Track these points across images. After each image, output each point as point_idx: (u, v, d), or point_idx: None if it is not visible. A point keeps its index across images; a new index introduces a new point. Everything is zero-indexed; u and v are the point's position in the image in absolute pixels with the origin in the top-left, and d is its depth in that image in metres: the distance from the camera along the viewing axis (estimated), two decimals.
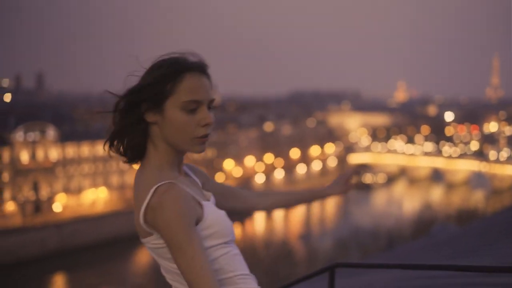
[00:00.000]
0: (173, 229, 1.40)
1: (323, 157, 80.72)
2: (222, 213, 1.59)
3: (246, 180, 64.04)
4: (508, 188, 69.58)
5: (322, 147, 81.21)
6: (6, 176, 43.59)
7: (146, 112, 1.51)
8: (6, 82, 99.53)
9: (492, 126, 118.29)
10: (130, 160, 1.59)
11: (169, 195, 1.42)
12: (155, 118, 1.51)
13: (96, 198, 49.15)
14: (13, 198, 43.69)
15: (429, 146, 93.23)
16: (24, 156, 44.93)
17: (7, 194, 43.45)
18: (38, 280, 34.74)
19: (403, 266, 3.24)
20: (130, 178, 52.70)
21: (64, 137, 47.73)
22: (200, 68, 1.52)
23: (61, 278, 36.14)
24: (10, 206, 43.38)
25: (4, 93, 78.80)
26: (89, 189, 48.99)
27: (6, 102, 69.82)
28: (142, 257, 40.39)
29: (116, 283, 34.57)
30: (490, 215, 19.35)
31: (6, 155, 43.72)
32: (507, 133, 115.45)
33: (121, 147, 1.57)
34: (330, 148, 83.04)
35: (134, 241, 42.34)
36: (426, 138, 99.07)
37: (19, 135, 44.88)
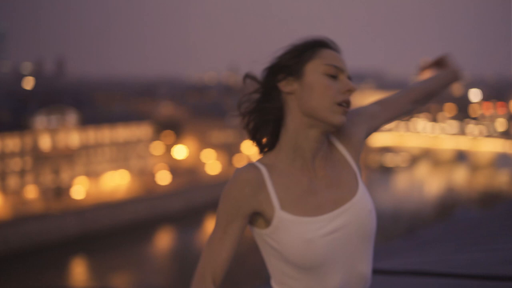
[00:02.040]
0: (218, 207, 1.43)
1: None
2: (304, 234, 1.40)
3: None
4: (487, 164, 68.41)
5: None
6: (27, 162, 43.92)
7: (283, 82, 1.45)
8: (28, 67, 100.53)
9: None
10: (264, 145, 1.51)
11: (232, 177, 1.42)
12: (293, 87, 1.45)
13: (117, 183, 49.26)
14: (34, 184, 44.03)
15: (454, 126, 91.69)
16: (45, 142, 45.18)
17: (28, 179, 43.81)
18: (59, 263, 35.03)
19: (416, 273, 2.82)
20: (150, 163, 52.75)
21: (85, 121, 47.87)
22: (336, 47, 1.50)
23: (81, 261, 36.38)
24: (31, 192, 43.73)
25: (25, 78, 79.54)
26: (110, 173, 49.09)
27: (26, 89, 70.47)
28: (162, 241, 40.51)
29: (136, 266, 34.71)
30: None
31: (28, 140, 44.00)
32: None
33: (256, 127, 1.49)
34: None
35: (154, 226, 42.57)
36: (451, 118, 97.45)
37: (40, 120, 45.10)
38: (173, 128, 63.15)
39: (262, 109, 1.46)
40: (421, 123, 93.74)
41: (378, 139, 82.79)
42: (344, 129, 1.54)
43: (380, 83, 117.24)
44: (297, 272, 1.40)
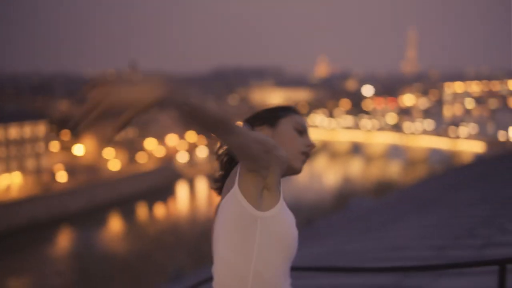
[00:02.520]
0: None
1: None
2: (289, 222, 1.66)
3: (169, 159, 63.46)
4: (422, 160, 72.92)
5: None
6: None
7: (258, 128, 1.79)
8: None
9: (408, 99, 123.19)
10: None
11: None
12: (268, 132, 1.77)
13: (11, 182, 47.03)
14: None
15: (349, 120, 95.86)
16: None
17: None
18: None
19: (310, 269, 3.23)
20: (47, 162, 50.87)
21: None
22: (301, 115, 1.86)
23: None
24: None
25: None
26: (2, 174, 46.77)
27: None
28: (62, 242, 39.27)
29: (36, 269, 33.43)
30: (403, 188, 20.20)
31: None
32: (422, 106, 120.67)
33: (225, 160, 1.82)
34: None
35: (53, 225, 41.11)
36: (346, 112, 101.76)
37: None
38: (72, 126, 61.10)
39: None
40: (318, 117, 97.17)
41: None
42: None
43: (279, 80, 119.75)
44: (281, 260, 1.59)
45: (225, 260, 1.56)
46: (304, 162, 1.75)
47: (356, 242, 7.36)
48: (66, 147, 59.01)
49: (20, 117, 49.56)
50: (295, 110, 1.83)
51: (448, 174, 20.17)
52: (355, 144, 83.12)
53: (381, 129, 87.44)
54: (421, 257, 5.03)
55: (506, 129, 74.51)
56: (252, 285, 1.54)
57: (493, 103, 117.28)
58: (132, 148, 58.45)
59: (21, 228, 40.55)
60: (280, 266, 1.57)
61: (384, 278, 4.46)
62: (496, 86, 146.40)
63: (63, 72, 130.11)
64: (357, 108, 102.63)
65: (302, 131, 1.77)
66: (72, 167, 52.87)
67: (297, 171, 1.74)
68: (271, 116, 1.79)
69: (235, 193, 1.54)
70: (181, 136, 68.21)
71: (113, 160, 56.90)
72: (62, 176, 50.01)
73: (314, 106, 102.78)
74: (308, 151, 1.76)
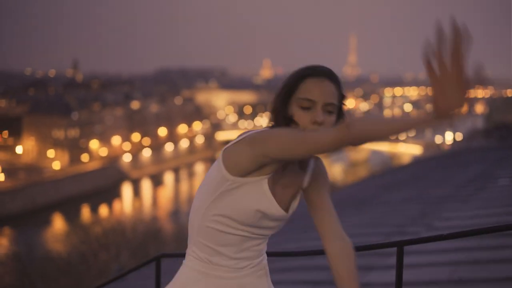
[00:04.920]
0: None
1: (191, 135, 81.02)
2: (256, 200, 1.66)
3: (113, 160, 62.61)
4: (363, 161, 74.84)
5: (189, 125, 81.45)
6: None
7: (287, 106, 1.66)
8: None
9: (349, 103, 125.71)
10: None
11: None
12: (290, 112, 1.66)
13: None
14: None
15: None
16: None
17: None
18: None
19: None
20: None
21: None
22: (326, 74, 1.66)
23: None
24: None
25: None
26: None
27: None
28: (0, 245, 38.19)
29: None
30: (344, 189, 20.92)
31: None
32: (363, 109, 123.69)
33: None
34: (198, 126, 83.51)
35: None
36: None
37: None
38: (11, 125, 59.40)
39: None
40: (263, 120, 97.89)
41: (224, 135, 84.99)
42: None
43: (224, 83, 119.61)
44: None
45: (193, 207, 1.74)
46: None
47: (295, 242, 7.78)
48: (4, 146, 57.40)
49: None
50: (311, 72, 1.66)
51: (386, 174, 20.97)
52: None
53: None
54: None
55: (442, 134, 77.59)
56: (197, 233, 1.73)
57: (430, 107, 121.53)
58: (75, 147, 57.39)
59: None
60: (223, 233, 1.69)
61: (315, 275, 4.95)
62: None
63: (3, 70, 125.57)
64: None
65: (309, 105, 1.63)
66: (11, 166, 51.44)
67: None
68: (286, 92, 1.67)
69: (219, 159, 1.67)
70: (126, 137, 67.42)
71: (54, 160, 55.76)
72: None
73: (259, 108, 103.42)
74: (314, 129, 1.62)
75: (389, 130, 1.36)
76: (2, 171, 50.06)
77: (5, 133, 59.70)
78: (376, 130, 1.39)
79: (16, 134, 59.04)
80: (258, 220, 1.68)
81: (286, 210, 1.73)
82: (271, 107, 1.71)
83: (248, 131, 1.66)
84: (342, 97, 1.69)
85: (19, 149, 58.08)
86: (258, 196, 1.63)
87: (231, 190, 1.63)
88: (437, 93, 1.22)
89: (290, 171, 1.74)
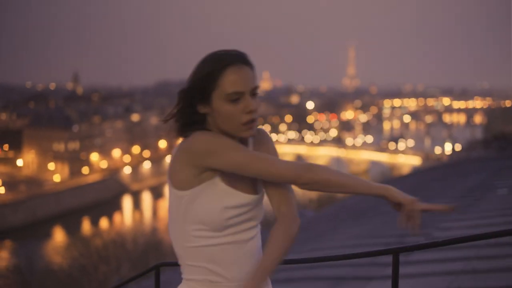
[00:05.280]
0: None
1: None
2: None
3: (113, 172, 62.62)
4: (363, 172, 74.82)
5: None
6: None
7: (198, 105, 1.64)
8: None
9: (348, 114, 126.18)
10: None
11: None
12: (206, 110, 1.64)
13: None
14: None
15: (292, 134, 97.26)
16: None
17: None
18: None
19: None
20: None
21: None
22: (240, 60, 1.63)
23: None
24: None
25: None
26: None
27: None
28: (1, 258, 38.11)
29: None
30: (341, 201, 20.95)
31: None
32: (362, 120, 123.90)
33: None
34: None
35: None
36: (289, 127, 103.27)
37: None
38: (11, 138, 59.50)
39: (187, 113, 1.67)
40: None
41: None
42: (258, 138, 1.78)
43: None
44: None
45: (172, 240, 1.72)
46: (250, 128, 1.65)
47: (293, 254, 7.83)
48: (4, 159, 57.43)
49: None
50: (227, 61, 1.62)
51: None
52: (298, 157, 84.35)
53: (323, 142, 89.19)
54: (355, 263, 5.57)
55: (441, 144, 77.71)
56: (185, 259, 1.69)
57: (428, 118, 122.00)
58: (76, 160, 57.44)
59: None
60: (208, 247, 1.65)
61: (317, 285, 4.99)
62: (431, 102, 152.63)
63: (4, 83, 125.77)
64: (300, 122, 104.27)
65: (237, 97, 1.61)
66: (12, 179, 51.44)
67: (246, 138, 1.70)
68: (203, 88, 1.62)
69: (169, 185, 1.71)
70: (126, 150, 67.49)
71: (54, 173, 55.79)
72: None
73: (258, 120, 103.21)
74: (250, 118, 1.63)
75: (345, 187, 1.59)
76: (3, 184, 50.04)
77: (6, 146, 59.79)
78: (334, 181, 1.57)
79: (17, 147, 59.12)
80: (232, 218, 1.63)
81: (255, 192, 1.70)
82: (176, 107, 1.68)
83: (182, 141, 1.66)
84: None
85: (19, 162, 58.12)
86: (219, 194, 1.62)
87: (193, 202, 1.63)
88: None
89: None
